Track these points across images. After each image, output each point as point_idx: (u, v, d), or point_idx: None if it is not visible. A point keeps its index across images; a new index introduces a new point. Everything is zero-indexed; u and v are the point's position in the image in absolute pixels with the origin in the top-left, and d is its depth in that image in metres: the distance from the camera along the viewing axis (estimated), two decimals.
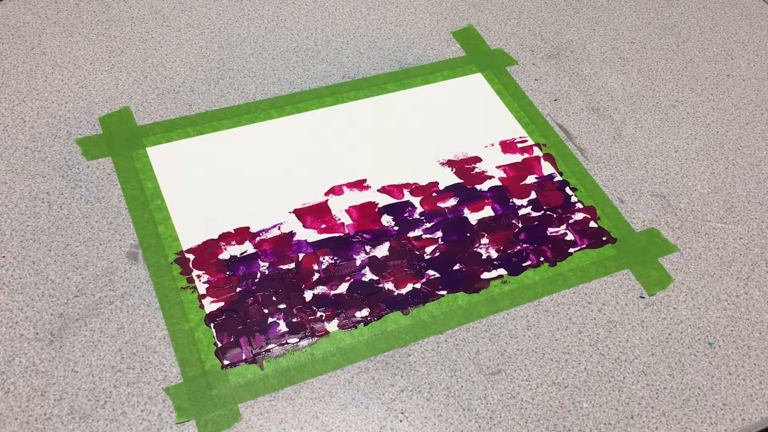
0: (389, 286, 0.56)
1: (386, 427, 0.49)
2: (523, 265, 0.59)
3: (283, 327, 0.53)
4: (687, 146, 0.72)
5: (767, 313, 0.59)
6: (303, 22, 0.77)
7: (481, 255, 0.59)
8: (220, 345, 0.51)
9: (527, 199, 0.64)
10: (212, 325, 0.52)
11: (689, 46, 0.83)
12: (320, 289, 0.55)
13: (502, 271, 0.59)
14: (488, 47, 0.77)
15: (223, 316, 0.53)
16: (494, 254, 0.60)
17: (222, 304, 0.54)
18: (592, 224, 0.63)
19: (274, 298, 0.54)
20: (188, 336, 0.52)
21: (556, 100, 0.73)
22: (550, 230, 0.62)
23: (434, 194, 0.63)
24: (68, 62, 0.69)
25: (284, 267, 0.56)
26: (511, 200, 0.64)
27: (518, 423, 0.51)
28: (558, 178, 0.66)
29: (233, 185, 0.61)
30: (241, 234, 0.58)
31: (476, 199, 0.63)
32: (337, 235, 0.59)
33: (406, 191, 0.63)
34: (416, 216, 0.61)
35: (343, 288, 0.56)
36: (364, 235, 0.59)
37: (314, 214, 0.60)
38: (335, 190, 0.62)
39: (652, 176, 0.68)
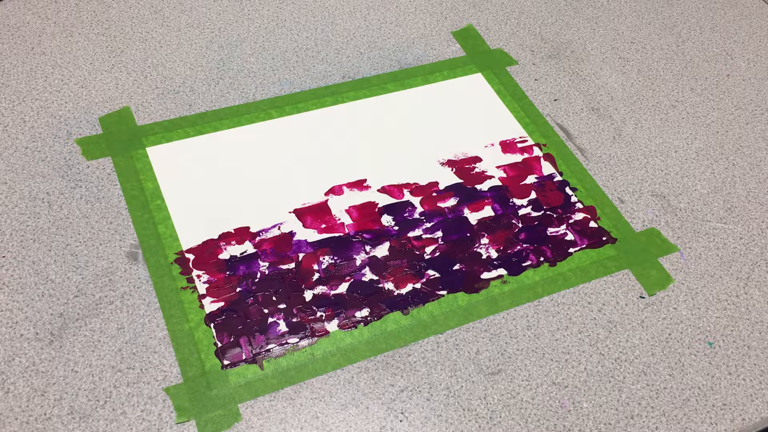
0: (389, 286, 0.56)
1: (386, 427, 0.49)
2: (523, 265, 0.59)
3: (283, 327, 0.53)
4: (687, 146, 0.72)
5: (767, 313, 0.59)
6: (303, 22, 0.77)
7: (481, 255, 0.59)
8: (220, 345, 0.51)
9: (527, 199, 0.64)
10: (212, 325, 0.52)
11: (689, 46, 0.83)
12: (320, 289, 0.55)
13: (502, 271, 0.58)
14: (488, 47, 0.77)
15: (223, 316, 0.53)
16: (494, 254, 0.60)
17: (222, 304, 0.54)
18: (592, 224, 0.63)
19: (274, 298, 0.54)
20: (188, 336, 0.52)
21: (556, 100, 0.73)
22: (550, 230, 0.62)
23: (434, 194, 0.63)
24: (68, 62, 0.69)
25: (284, 267, 0.56)
26: (511, 200, 0.63)
27: (518, 423, 0.51)
28: (558, 178, 0.66)
29: (233, 185, 0.61)
30: (241, 234, 0.58)
31: (476, 199, 0.63)
32: (337, 235, 0.59)
33: (406, 191, 0.63)
34: (416, 216, 0.61)
35: (343, 288, 0.56)
36: (364, 235, 0.59)
37: (314, 214, 0.60)
38: (335, 190, 0.62)
39: (652, 176, 0.68)
